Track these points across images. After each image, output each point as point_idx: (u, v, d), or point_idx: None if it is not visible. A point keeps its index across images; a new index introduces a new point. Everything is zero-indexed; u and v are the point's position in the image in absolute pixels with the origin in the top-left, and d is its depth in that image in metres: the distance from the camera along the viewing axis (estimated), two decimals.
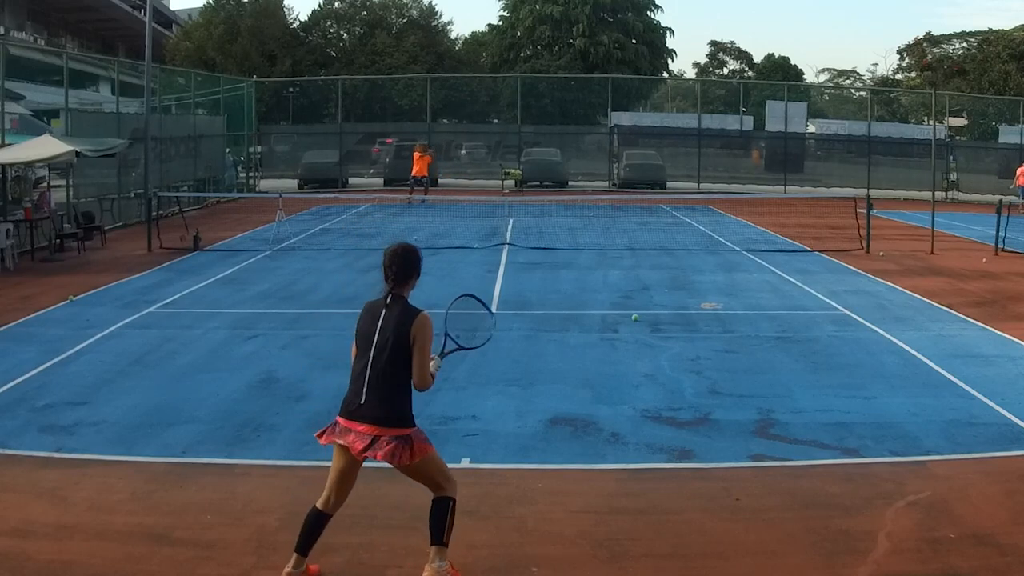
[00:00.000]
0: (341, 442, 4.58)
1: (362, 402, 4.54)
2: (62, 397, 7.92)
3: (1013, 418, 7.47)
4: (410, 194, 26.47)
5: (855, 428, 7.22)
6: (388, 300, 4.63)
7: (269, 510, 5.63)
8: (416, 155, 27.45)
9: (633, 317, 11.26)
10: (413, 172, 27.32)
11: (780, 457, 6.65)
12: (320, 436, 4.71)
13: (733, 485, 6.11)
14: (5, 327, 10.63)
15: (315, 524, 4.68)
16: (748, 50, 60.08)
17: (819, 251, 17.65)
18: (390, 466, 6.39)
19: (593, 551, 5.16)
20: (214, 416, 7.46)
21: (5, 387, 8.18)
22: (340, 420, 4.63)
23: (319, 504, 4.71)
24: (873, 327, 10.82)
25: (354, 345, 4.68)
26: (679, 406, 7.78)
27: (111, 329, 10.52)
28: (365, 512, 5.55)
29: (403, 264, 4.66)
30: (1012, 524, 5.51)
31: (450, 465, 6.35)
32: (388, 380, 4.54)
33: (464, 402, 7.84)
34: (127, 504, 5.73)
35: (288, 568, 4.68)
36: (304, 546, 4.69)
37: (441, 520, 4.66)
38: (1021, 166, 28.68)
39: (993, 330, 10.80)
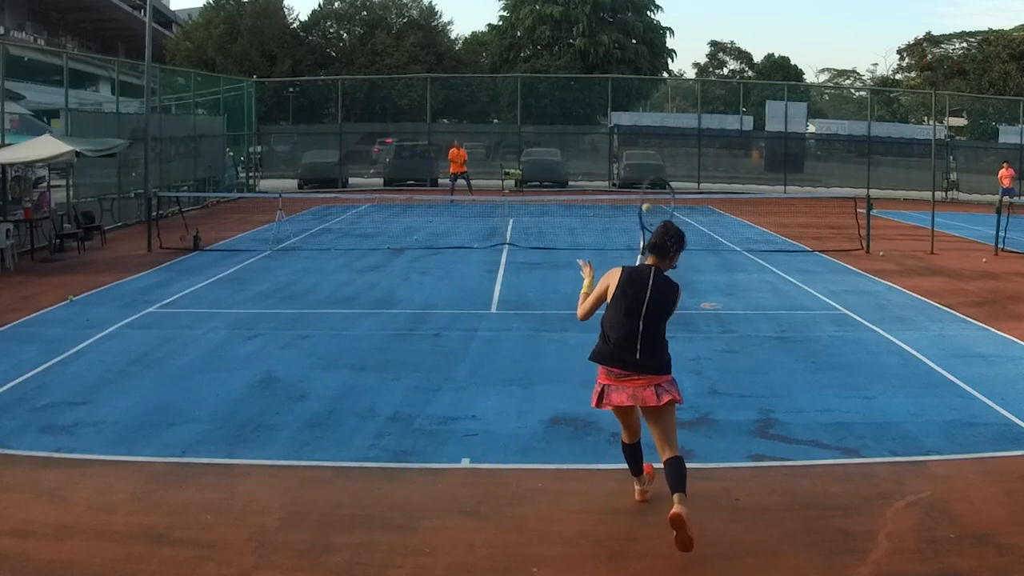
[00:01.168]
0: (620, 399, 5.28)
1: (637, 357, 5.25)
2: (62, 397, 7.92)
3: (1013, 418, 7.47)
4: (451, 192, 27.39)
5: (855, 428, 7.22)
6: (653, 271, 5.35)
7: (269, 510, 5.63)
8: (453, 152, 28.30)
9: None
10: (452, 169, 28.30)
11: (780, 457, 6.65)
12: (597, 403, 5.39)
13: (733, 485, 6.11)
14: (5, 327, 10.63)
15: (634, 452, 5.66)
16: (748, 50, 60.10)
17: (819, 251, 17.65)
18: (390, 466, 6.43)
19: (593, 551, 5.16)
20: (214, 416, 7.46)
21: (5, 387, 8.18)
22: (613, 381, 5.30)
23: (626, 439, 5.64)
24: (873, 327, 10.82)
25: (600, 298, 5.48)
26: (679, 406, 7.76)
27: (111, 329, 10.53)
28: (365, 512, 5.56)
29: (669, 241, 5.41)
30: (1012, 524, 5.51)
31: (450, 465, 6.41)
32: (658, 337, 5.32)
33: (464, 402, 7.84)
34: (127, 504, 5.73)
35: (639, 487, 5.72)
36: (637, 468, 5.71)
37: (683, 471, 5.24)
38: (1003, 168, 28.71)
39: (993, 330, 10.80)
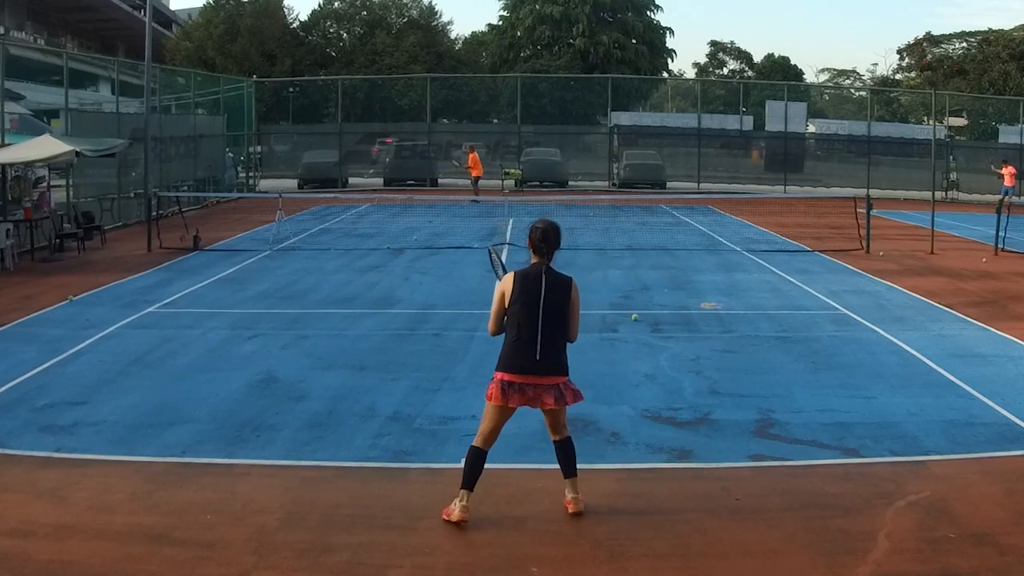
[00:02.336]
0: (523, 398, 5.30)
1: (538, 358, 5.29)
2: (62, 397, 7.92)
3: (1013, 418, 7.48)
4: (475, 194, 27.68)
5: (855, 428, 7.22)
6: (545, 270, 5.44)
7: (269, 510, 5.63)
8: (473, 156, 28.73)
9: (633, 317, 11.27)
10: (474, 173, 28.73)
11: (780, 457, 6.65)
12: (494, 399, 5.35)
13: (733, 485, 6.11)
14: (5, 327, 10.63)
15: (479, 462, 5.46)
16: (748, 50, 60.11)
17: (819, 251, 17.66)
18: (390, 466, 6.43)
19: (593, 551, 5.16)
20: (214, 416, 7.46)
21: (5, 387, 8.18)
22: (515, 378, 5.30)
23: (480, 443, 5.47)
24: (873, 327, 10.82)
25: (501, 308, 5.43)
26: (679, 406, 7.78)
27: (111, 329, 10.53)
28: (365, 512, 5.55)
29: (556, 240, 5.53)
30: (1012, 524, 5.51)
31: (450, 465, 6.40)
32: (557, 336, 5.35)
33: (464, 402, 7.84)
34: (127, 504, 5.73)
35: (462, 503, 5.39)
36: (472, 480, 5.44)
37: (572, 455, 5.51)
38: (1004, 166, 28.71)
39: (993, 330, 10.80)
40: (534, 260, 5.52)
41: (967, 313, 11.74)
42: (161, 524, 5.42)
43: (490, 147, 37.43)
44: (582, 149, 38.95)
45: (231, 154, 31.55)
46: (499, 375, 5.37)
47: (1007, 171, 28.31)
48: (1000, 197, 23.46)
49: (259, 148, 35.47)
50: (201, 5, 49.77)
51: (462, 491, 5.41)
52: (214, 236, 18.95)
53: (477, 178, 28.85)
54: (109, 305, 11.93)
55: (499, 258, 6.18)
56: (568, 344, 5.49)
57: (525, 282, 5.40)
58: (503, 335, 5.48)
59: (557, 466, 6.42)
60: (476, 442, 5.48)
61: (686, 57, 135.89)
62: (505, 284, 5.45)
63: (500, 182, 32.98)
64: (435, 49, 48.06)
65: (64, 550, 5.10)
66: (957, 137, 39.23)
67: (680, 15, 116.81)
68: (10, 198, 17.02)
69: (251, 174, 33.50)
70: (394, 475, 6.26)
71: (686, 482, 6.21)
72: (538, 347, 5.29)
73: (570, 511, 5.47)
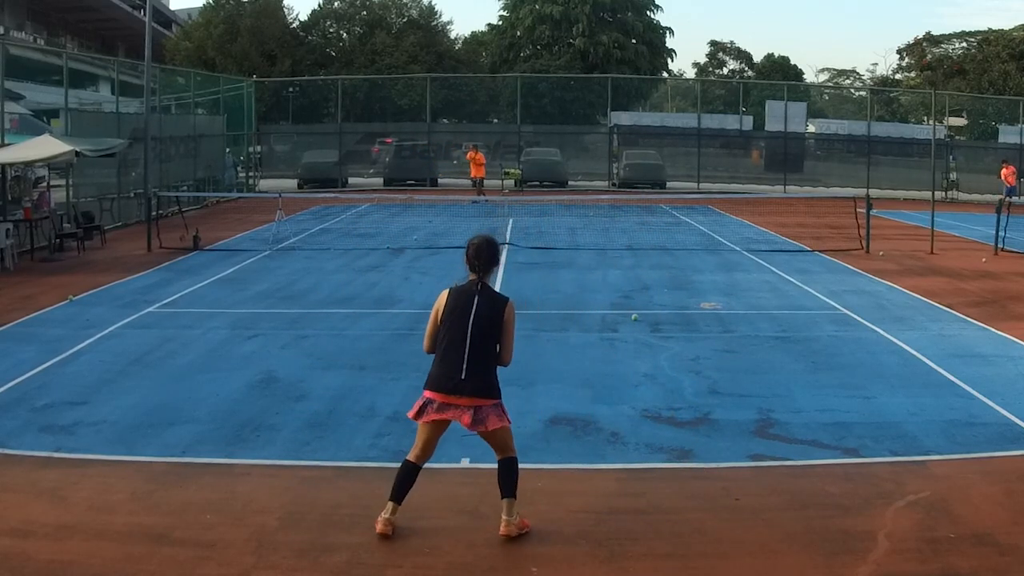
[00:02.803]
0: (442, 417, 5.15)
1: (463, 378, 5.10)
2: (62, 397, 7.92)
3: (1013, 418, 7.48)
4: (479, 194, 27.58)
5: (855, 428, 7.22)
6: (479, 287, 5.25)
7: (269, 510, 5.63)
8: (477, 157, 28.66)
9: (632, 317, 11.27)
10: (472, 174, 28.71)
11: (780, 457, 6.65)
12: (416, 416, 5.21)
13: (733, 485, 6.11)
14: (5, 327, 10.63)
15: (410, 476, 5.28)
16: (748, 50, 60.12)
17: (819, 251, 17.66)
18: (390, 466, 6.42)
19: (593, 551, 5.16)
20: (214, 416, 7.46)
21: (5, 387, 8.18)
22: (437, 396, 5.14)
23: (413, 458, 5.29)
24: (873, 327, 10.82)
25: (435, 325, 5.26)
26: (679, 406, 7.78)
27: (111, 329, 10.53)
28: (365, 512, 5.55)
29: (489, 256, 5.34)
30: (1012, 524, 5.51)
31: (450, 465, 6.41)
32: (485, 356, 5.17)
33: None
34: (127, 504, 5.73)
35: (385, 515, 5.22)
36: (401, 493, 5.27)
37: (512, 474, 5.30)
38: (1004, 166, 28.69)
39: (993, 330, 10.80)
40: (471, 277, 5.30)
41: (967, 313, 11.74)
42: (161, 524, 5.42)
43: (490, 147, 37.44)
44: (582, 149, 38.94)
45: (230, 154, 31.54)
46: (425, 392, 5.21)
47: (1005, 171, 28.30)
48: (1001, 197, 23.49)
49: (259, 148, 35.47)
50: (201, 5, 49.76)
51: (389, 503, 5.25)
52: (214, 236, 18.95)
53: (480, 179, 28.89)
54: (109, 305, 11.93)
55: None
56: (500, 367, 5.28)
57: (457, 299, 5.22)
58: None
59: (557, 466, 6.45)
60: (409, 456, 5.32)
61: (686, 57, 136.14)
62: (440, 300, 5.29)
63: (500, 182, 32.98)
64: (435, 49, 48.07)
65: (64, 550, 5.10)
66: (957, 137, 39.23)
67: (680, 15, 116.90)
68: (10, 198, 17.02)
69: (251, 174, 33.49)
70: (394, 475, 6.25)
71: (686, 482, 6.21)
72: (464, 367, 5.10)
73: (500, 533, 5.23)
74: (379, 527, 5.21)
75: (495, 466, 6.43)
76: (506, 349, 5.27)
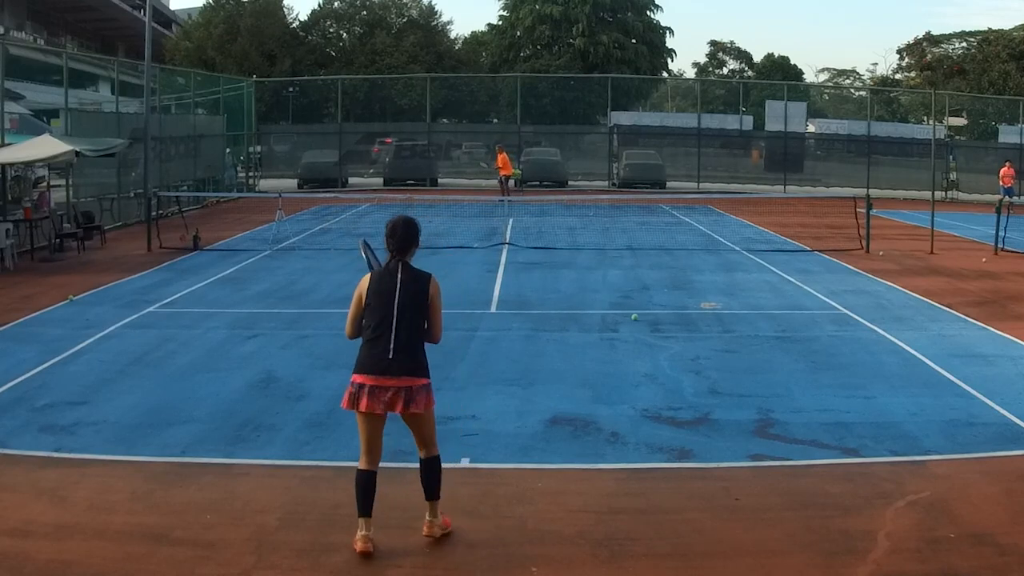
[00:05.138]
0: (375, 405, 4.98)
1: (391, 358, 4.99)
2: (62, 397, 7.92)
3: (1013, 418, 7.48)
4: (503, 193, 27.43)
5: (855, 428, 7.22)
6: (400, 266, 5.18)
7: (269, 510, 5.63)
8: (502, 156, 28.43)
9: (632, 317, 11.27)
10: (503, 173, 28.49)
11: (780, 457, 6.65)
12: (349, 405, 5.06)
13: (733, 485, 6.11)
14: (5, 327, 10.63)
15: (369, 485, 5.11)
16: (748, 50, 60.16)
17: (819, 251, 17.65)
18: (390, 466, 6.42)
19: (593, 551, 5.16)
20: (214, 416, 7.46)
21: (5, 387, 8.18)
22: (367, 379, 5.00)
23: (363, 464, 5.12)
24: (873, 327, 10.82)
25: (358, 309, 5.15)
26: (679, 406, 7.78)
27: (111, 329, 10.52)
28: None
29: (404, 235, 5.28)
30: (1012, 524, 5.51)
31: (450, 465, 6.39)
32: (413, 335, 5.07)
33: (464, 402, 7.83)
34: (127, 504, 5.73)
35: (362, 532, 5.06)
36: (366, 506, 5.10)
37: (435, 475, 5.22)
38: (1005, 166, 28.68)
39: (993, 330, 10.80)
40: (390, 257, 5.24)
41: (967, 313, 11.74)
42: (161, 524, 5.42)
43: (490, 147, 37.45)
44: (582, 149, 38.94)
45: (230, 154, 31.52)
46: (353, 377, 5.05)
47: (1004, 171, 28.29)
48: (1000, 198, 23.48)
49: (259, 148, 35.46)
50: (201, 5, 49.75)
51: (360, 519, 5.06)
52: (214, 236, 18.95)
53: (506, 177, 28.62)
54: (109, 305, 11.92)
55: (372, 253, 5.70)
56: (431, 344, 5.18)
57: (380, 280, 5.14)
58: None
59: (557, 466, 6.45)
60: (359, 463, 5.13)
61: (686, 57, 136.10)
62: (362, 284, 5.18)
63: (496, 182, 32.95)
64: (435, 49, 48.06)
65: (64, 550, 5.10)
66: (957, 137, 39.22)
67: (680, 15, 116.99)
68: (10, 198, 17.02)
69: (251, 174, 33.48)
70: (394, 475, 6.24)
71: (686, 482, 6.21)
72: (391, 347, 4.99)
73: (424, 533, 5.17)
74: (359, 546, 5.01)
75: (495, 466, 6.46)
76: (435, 325, 5.18)
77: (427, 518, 5.22)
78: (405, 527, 5.35)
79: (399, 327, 5.03)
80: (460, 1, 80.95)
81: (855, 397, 8.03)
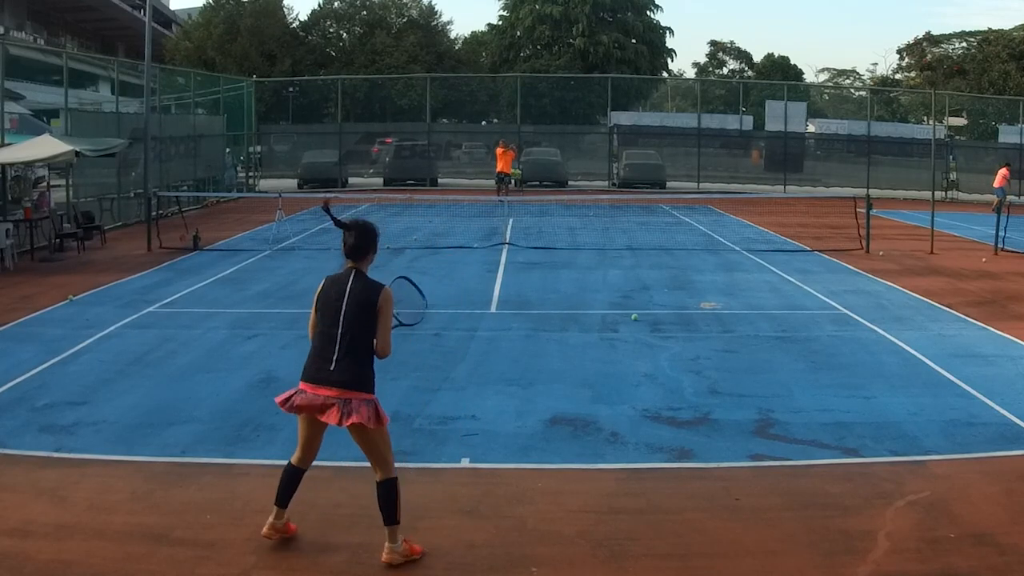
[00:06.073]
0: (308, 407, 4.91)
1: (332, 368, 4.86)
2: (62, 397, 7.92)
3: (1013, 418, 7.48)
4: (498, 192, 26.91)
5: (855, 428, 7.22)
6: (353, 274, 4.98)
7: (269, 510, 5.59)
8: (499, 152, 27.75)
9: (632, 317, 11.27)
10: (497, 169, 27.70)
11: (780, 457, 6.65)
12: (283, 404, 5.02)
13: (733, 485, 6.11)
14: (5, 327, 10.63)
15: (293, 480, 5.15)
16: (748, 50, 60.13)
17: (819, 251, 17.65)
18: None
19: (593, 551, 5.16)
20: (214, 416, 7.46)
21: (5, 387, 8.18)
22: (306, 386, 4.93)
23: (295, 460, 5.17)
24: (873, 327, 10.82)
25: (314, 315, 5.02)
26: (679, 406, 7.78)
27: (111, 329, 10.52)
28: (365, 512, 5.54)
29: (355, 243, 5.04)
30: (1012, 524, 5.51)
31: (450, 465, 6.42)
32: (358, 347, 4.89)
33: (464, 402, 7.84)
34: (127, 504, 5.73)
35: (271, 519, 5.12)
36: (285, 498, 5.15)
37: (391, 499, 4.98)
38: (1002, 168, 28.66)
39: (993, 330, 10.80)
40: (346, 264, 5.05)
41: (967, 313, 11.74)
42: (161, 524, 5.42)
43: (490, 147, 37.45)
44: (582, 149, 38.93)
45: (229, 154, 31.51)
46: (300, 383, 4.98)
47: (1000, 173, 28.26)
48: (996, 200, 23.46)
49: (259, 148, 35.46)
50: (201, 5, 49.77)
51: (274, 507, 5.13)
52: (214, 236, 18.95)
53: (506, 176, 27.68)
54: (109, 305, 11.92)
55: (331, 214, 5.30)
56: (378, 359, 4.95)
57: (331, 287, 4.97)
58: None
59: (557, 466, 6.45)
60: (292, 458, 5.16)
61: (686, 57, 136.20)
62: (318, 288, 5.06)
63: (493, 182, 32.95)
64: (435, 49, 48.08)
65: (64, 550, 5.10)
66: (957, 137, 39.22)
67: (680, 15, 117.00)
68: (10, 198, 17.02)
69: (251, 174, 33.48)
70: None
71: (686, 482, 6.21)
72: (333, 357, 4.84)
73: (383, 560, 4.93)
74: (264, 531, 5.10)
75: (495, 466, 6.46)
76: (382, 339, 4.91)
77: (387, 544, 4.94)
78: (405, 527, 5.34)
79: (343, 338, 4.86)
80: (460, 1, 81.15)
81: (855, 397, 8.03)
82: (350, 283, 4.94)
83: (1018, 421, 7.40)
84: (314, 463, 6.39)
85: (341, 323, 4.87)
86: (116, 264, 15.55)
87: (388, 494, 4.94)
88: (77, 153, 16.21)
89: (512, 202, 25.19)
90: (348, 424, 4.84)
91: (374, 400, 4.93)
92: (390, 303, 4.94)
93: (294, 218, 22.47)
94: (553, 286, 13.52)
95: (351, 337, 4.86)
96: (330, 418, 4.85)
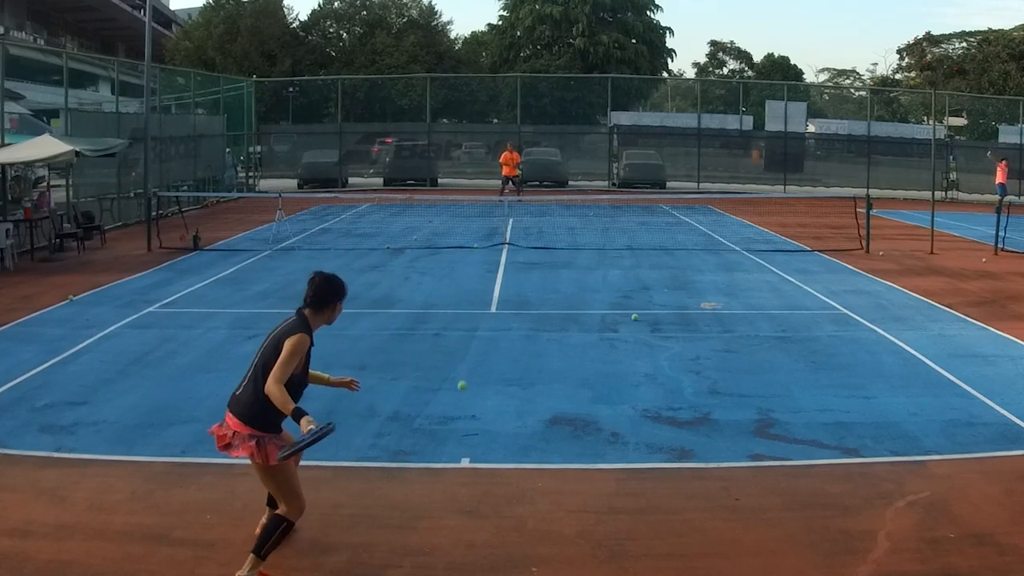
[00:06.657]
0: (221, 436, 4.92)
1: (238, 393, 4.92)
2: (62, 397, 7.92)
3: (1013, 418, 7.48)
4: (502, 192, 26.80)
5: (855, 428, 7.22)
6: (295, 316, 4.97)
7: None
8: (505, 156, 27.68)
9: (633, 317, 11.27)
10: (503, 173, 27.65)
11: (780, 457, 6.65)
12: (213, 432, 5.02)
13: (733, 485, 6.11)
14: (5, 327, 10.63)
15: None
16: (748, 50, 60.10)
17: (819, 251, 17.65)
18: (390, 466, 6.44)
19: (593, 551, 5.16)
20: (214, 416, 7.40)
21: (5, 387, 8.18)
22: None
23: None
24: (873, 327, 10.82)
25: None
26: (679, 406, 7.78)
27: (111, 329, 10.52)
28: (365, 512, 5.56)
29: (315, 292, 4.99)
30: (1012, 524, 5.51)
31: (450, 465, 6.41)
32: (258, 379, 4.82)
33: (464, 402, 7.84)
34: (127, 504, 5.73)
35: (263, 520, 5.08)
36: (274, 501, 5.07)
37: (269, 534, 4.83)
38: (1001, 164, 28.69)
39: (993, 330, 10.80)
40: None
41: (967, 313, 11.74)
42: (161, 524, 5.42)
43: (490, 147, 37.44)
44: (582, 149, 38.92)
45: (229, 154, 31.51)
46: None
47: (1000, 169, 28.26)
48: (998, 198, 23.46)
49: (259, 148, 35.46)
50: (201, 5, 49.76)
51: (267, 508, 5.23)
52: (214, 236, 18.95)
53: (510, 178, 27.50)
54: (109, 305, 11.92)
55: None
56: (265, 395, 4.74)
57: (276, 324, 5.05)
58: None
59: (557, 466, 6.45)
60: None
61: (686, 57, 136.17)
62: None
63: (499, 182, 32.95)
64: (435, 49, 48.07)
65: (64, 550, 5.10)
66: (957, 137, 39.22)
67: (680, 15, 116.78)
68: (10, 198, 17.02)
69: (251, 174, 33.48)
70: (394, 475, 6.26)
71: (686, 482, 6.22)
72: (242, 383, 4.94)
73: None
74: (257, 531, 5.06)
75: (495, 466, 6.47)
76: (271, 373, 4.71)
77: (244, 570, 4.77)
78: (405, 527, 5.35)
79: (250, 370, 4.92)
80: (460, 1, 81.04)
81: (855, 397, 8.03)
82: (282, 323, 4.99)
83: (1018, 421, 7.40)
84: (314, 463, 6.44)
85: (256, 357, 4.91)
86: (116, 264, 15.55)
87: (271, 529, 4.83)
88: (77, 153, 16.21)
89: (512, 202, 25.20)
90: (236, 456, 4.88)
91: (261, 437, 4.82)
92: (295, 347, 4.77)
93: (294, 218, 22.47)
94: (553, 286, 13.52)
95: (255, 372, 4.86)
96: (217, 445, 4.92)
